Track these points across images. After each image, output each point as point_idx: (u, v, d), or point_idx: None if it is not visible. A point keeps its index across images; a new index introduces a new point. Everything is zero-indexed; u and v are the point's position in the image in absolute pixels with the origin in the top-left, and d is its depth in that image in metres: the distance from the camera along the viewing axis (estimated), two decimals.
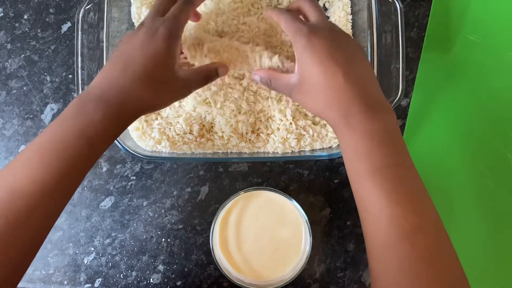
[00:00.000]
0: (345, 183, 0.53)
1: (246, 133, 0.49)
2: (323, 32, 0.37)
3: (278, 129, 0.49)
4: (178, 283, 0.53)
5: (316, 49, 0.36)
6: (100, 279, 0.53)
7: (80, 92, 0.45)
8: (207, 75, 0.42)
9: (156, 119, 0.49)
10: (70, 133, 0.34)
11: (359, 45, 0.39)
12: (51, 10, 0.54)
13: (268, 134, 0.50)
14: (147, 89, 0.37)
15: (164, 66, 0.37)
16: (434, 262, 0.33)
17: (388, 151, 0.35)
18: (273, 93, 0.48)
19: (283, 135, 0.49)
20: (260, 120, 0.49)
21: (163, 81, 0.38)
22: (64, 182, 0.34)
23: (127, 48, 0.37)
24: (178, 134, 0.49)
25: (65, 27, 0.54)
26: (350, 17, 0.51)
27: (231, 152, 0.50)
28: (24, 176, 0.32)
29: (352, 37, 0.39)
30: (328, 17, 0.52)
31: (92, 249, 0.53)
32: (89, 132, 0.34)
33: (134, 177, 0.53)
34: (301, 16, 0.42)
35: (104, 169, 0.53)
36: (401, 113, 0.54)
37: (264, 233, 0.48)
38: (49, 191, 0.33)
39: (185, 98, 0.48)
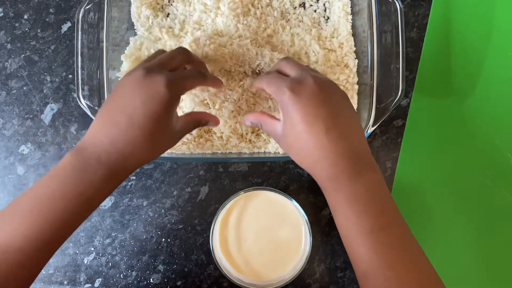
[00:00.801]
0: None
1: (246, 134, 0.49)
2: (306, 85, 0.36)
3: None
4: (178, 283, 0.53)
5: (299, 106, 0.35)
6: (100, 279, 0.53)
7: (80, 92, 0.45)
8: (199, 123, 0.43)
9: None
10: (68, 194, 0.34)
11: (343, 92, 0.38)
12: (51, 10, 0.54)
13: (268, 135, 0.49)
14: (148, 149, 0.36)
15: (164, 127, 0.37)
16: None
17: (377, 213, 0.35)
18: None
19: None
20: None
21: (162, 139, 0.38)
22: (57, 238, 0.35)
23: (128, 103, 0.35)
24: None
25: (65, 27, 0.54)
26: (350, 17, 0.51)
27: (230, 152, 0.50)
28: (18, 232, 0.33)
29: (336, 85, 0.38)
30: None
31: (92, 249, 0.53)
32: (88, 193, 0.34)
33: (134, 177, 0.53)
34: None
35: None
36: (401, 113, 0.54)
37: (264, 233, 0.48)
38: (42, 247, 0.34)
39: (184, 100, 0.48)
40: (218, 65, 0.47)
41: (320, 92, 0.36)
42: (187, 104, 0.48)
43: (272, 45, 0.49)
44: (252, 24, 0.49)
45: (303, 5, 0.51)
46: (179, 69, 0.40)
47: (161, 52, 0.42)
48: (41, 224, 0.33)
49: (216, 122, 0.44)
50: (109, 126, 0.35)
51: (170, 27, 0.49)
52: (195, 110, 0.48)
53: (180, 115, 0.41)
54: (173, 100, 0.36)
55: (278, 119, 0.39)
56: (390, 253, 0.34)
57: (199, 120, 0.42)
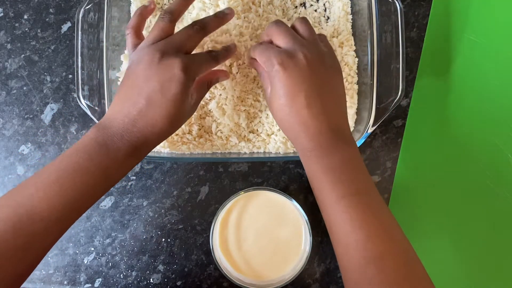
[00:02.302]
0: None
1: (247, 129, 0.49)
2: (296, 60, 0.37)
3: (279, 130, 0.49)
4: (178, 283, 0.53)
5: (284, 80, 0.37)
6: (100, 279, 0.53)
7: (80, 92, 0.45)
8: (210, 84, 0.44)
9: None
10: (93, 168, 0.35)
11: (335, 66, 0.39)
12: (51, 10, 0.54)
13: (268, 135, 0.50)
14: (167, 127, 0.38)
15: (182, 106, 0.38)
16: (402, 279, 0.34)
17: (350, 181, 0.36)
18: None
19: (284, 135, 0.49)
20: (261, 122, 0.50)
21: (180, 117, 0.39)
22: (79, 209, 0.36)
23: (146, 84, 0.36)
24: (177, 135, 0.49)
25: (65, 27, 0.54)
26: (350, 17, 0.51)
27: (230, 152, 0.50)
28: (43, 201, 0.34)
29: (330, 53, 0.40)
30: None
31: (92, 249, 0.53)
32: (111, 169, 0.36)
33: (134, 177, 0.53)
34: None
35: None
36: (401, 113, 0.54)
37: (264, 233, 0.48)
38: (65, 217, 0.35)
39: None
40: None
41: (307, 68, 0.37)
42: None
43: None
44: (253, 22, 0.49)
45: (303, 4, 0.52)
46: (191, 51, 0.40)
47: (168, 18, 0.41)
48: (65, 195, 0.34)
49: (226, 75, 0.46)
50: (129, 108, 0.37)
51: None
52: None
53: None
54: (190, 82, 0.38)
55: None
56: (362, 216, 0.35)
57: (210, 80, 0.44)
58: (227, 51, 0.44)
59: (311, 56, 0.38)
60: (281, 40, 0.40)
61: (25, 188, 0.35)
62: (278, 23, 0.41)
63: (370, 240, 0.34)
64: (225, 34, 0.47)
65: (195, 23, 0.40)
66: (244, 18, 0.49)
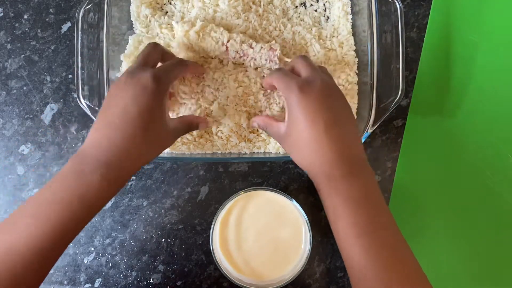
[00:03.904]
0: None
1: (248, 129, 0.49)
2: (314, 87, 0.37)
3: None
4: (178, 283, 0.53)
5: (304, 105, 0.37)
6: (100, 279, 0.53)
7: (80, 92, 0.45)
8: (190, 126, 0.44)
9: None
10: (69, 197, 0.34)
11: (346, 99, 0.40)
12: (51, 10, 0.54)
13: (268, 135, 0.50)
14: (145, 146, 0.37)
15: (158, 121, 0.38)
16: None
17: (371, 215, 0.36)
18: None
19: None
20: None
21: (158, 136, 0.38)
22: (59, 243, 0.35)
23: (119, 103, 0.36)
24: None
25: (65, 27, 0.54)
26: (350, 17, 0.51)
27: (230, 152, 0.50)
28: (21, 237, 0.33)
29: (340, 90, 0.40)
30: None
31: (92, 249, 0.53)
32: (89, 196, 0.35)
33: (134, 177, 0.53)
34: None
35: None
36: (401, 113, 0.54)
37: (264, 233, 0.48)
38: (44, 253, 0.34)
39: (181, 112, 0.49)
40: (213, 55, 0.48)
41: (326, 95, 0.38)
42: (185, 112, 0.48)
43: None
44: (253, 21, 0.49)
45: (303, 4, 0.51)
46: (157, 64, 0.41)
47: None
48: (43, 229, 0.34)
49: (205, 123, 0.46)
50: (106, 127, 0.36)
51: (169, 24, 0.50)
52: (197, 112, 0.48)
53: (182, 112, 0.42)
54: (162, 92, 0.37)
55: (282, 121, 0.41)
56: (383, 254, 0.35)
57: (189, 123, 0.44)
58: (197, 65, 0.45)
59: (328, 84, 0.38)
60: (303, 67, 0.40)
61: (6, 223, 0.34)
62: (305, 57, 0.42)
63: (386, 271, 0.34)
64: (222, 29, 0.47)
65: (150, 42, 0.42)
66: (245, 17, 0.49)
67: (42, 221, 0.34)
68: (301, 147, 0.38)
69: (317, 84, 0.38)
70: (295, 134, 0.38)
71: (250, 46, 0.46)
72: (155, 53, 0.41)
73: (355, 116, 0.49)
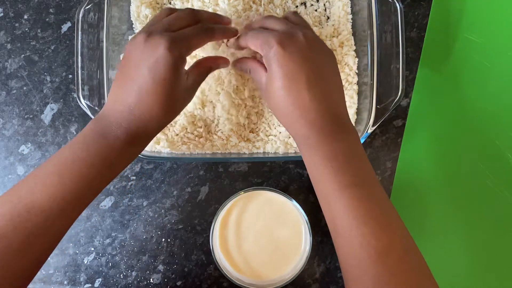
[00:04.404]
0: None
1: (247, 129, 0.49)
2: (295, 40, 0.36)
3: (280, 132, 0.49)
4: (178, 283, 0.53)
5: (284, 61, 0.35)
6: (100, 279, 0.53)
7: (80, 92, 0.45)
8: (210, 70, 0.42)
9: None
10: (92, 155, 0.35)
11: (331, 52, 0.38)
12: (51, 10, 0.54)
13: (267, 135, 0.50)
14: (164, 112, 0.37)
15: (175, 88, 0.37)
16: (406, 277, 0.33)
17: (353, 170, 0.35)
18: None
19: (285, 135, 0.49)
20: (261, 121, 0.50)
21: (176, 100, 0.38)
22: (81, 200, 0.35)
23: (136, 68, 0.35)
24: (177, 135, 0.49)
25: (65, 27, 0.54)
26: (350, 17, 0.51)
27: (230, 152, 0.50)
28: (43, 193, 0.33)
29: (324, 43, 0.38)
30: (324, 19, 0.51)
31: (92, 249, 0.53)
32: (111, 159, 0.35)
33: (134, 177, 0.53)
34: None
35: None
36: (401, 113, 0.54)
37: (264, 233, 0.48)
38: (67, 208, 0.34)
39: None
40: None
41: (308, 48, 0.36)
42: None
43: None
44: (253, 20, 0.49)
45: (304, 4, 0.51)
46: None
47: (167, 11, 0.40)
48: (65, 186, 0.34)
49: (226, 62, 0.43)
50: (124, 96, 0.36)
51: None
52: (197, 111, 0.48)
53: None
54: (178, 62, 0.36)
55: (266, 71, 0.39)
56: (365, 209, 0.34)
57: (210, 66, 0.42)
58: (226, 29, 0.41)
59: (311, 37, 0.36)
60: (276, 24, 0.38)
61: (25, 182, 0.34)
62: (272, 15, 0.40)
63: (374, 236, 0.33)
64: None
65: (187, 8, 0.40)
66: (245, 16, 0.49)
67: (65, 179, 0.34)
68: (280, 105, 0.36)
69: (298, 37, 0.36)
70: (275, 91, 0.36)
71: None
72: (187, 19, 0.38)
73: (355, 116, 0.49)
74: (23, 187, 0.34)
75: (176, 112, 0.39)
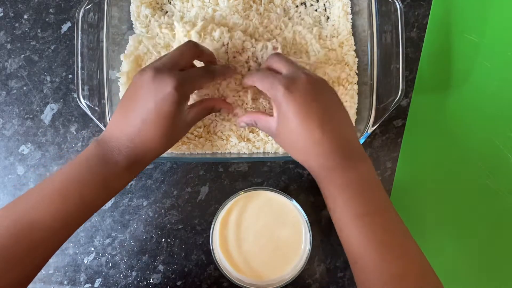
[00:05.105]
0: None
1: (247, 129, 0.49)
2: (300, 83, 0.37)
3: None
4: (178, 283, 0.53)
5: (293, 103, 0.37)
6: (100, 279, 0.53)
7: (80, 92, 0.45)
8: (212, 110, 0.45)
9: None
10: (94, 180, 0.37)
11: (333, 90, 0.40)
12: (51, 10, 0.54)
13: (267, 135, 0.49)
14: (162, 143, 0.39)
15: (177, 123, 0.39)
16: None
17: (367, 199, 0.36)
18: None
19: None
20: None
21: (175, 132, 0.40)
22: (79, 219, 0.37)
23: (140, 102, 0.37)
24: None
25: (65, 27, 0.54)
26: (350, 17, 0.51)
27: (230, 152, 0.50)
28: (47, 210, 0.35)
29: (327, 82, 0.40)
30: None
31: (92, 249, 0.53)
32: (112, 181, 0.38)
33: None
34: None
35: None
36: (401, 113, 0.54)
37: (264, 233, 0.48)
38: (66, 225, 0.36)
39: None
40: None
41: (313, 89, 0.37)
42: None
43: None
44: (254, 19, 0.49)
45: (304, 4, 0.51)
46: (188, 67, 0.41)
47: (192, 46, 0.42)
48: (68, 205, 0.36)
49: (229, 109, 0.46)
50: (126, 126, 0.38)
51: (169, 24, 0.50)
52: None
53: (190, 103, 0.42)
54: (183, 100, 0.38)
55: (272, 115, 0.41)
56: (379, 236, 0.35)
57: (212, 107, 0.44)
58: (226, 70, 0.44)
59: (313, 79, 0.38)
60: (281, 65, 0.40)
61: (30, 196, 0.36)
62: (279, 54, 0.42)
63: (388, 262, 0.34)
64: (224, 28, 0.47)
65: (189, 41, 0.42)
66: (245, 16, 0.48)
67: (68, 198, 0.36)
68: (295, 143, 0.38)
69: (302, 80, 0.37)
70: (288, 132, 0.38)
71: (252, 46, 0.46)
72: (190, 55, 0.41)
73: (355, 116, 0.49)
74: (28, 201, 0.36)
75: (172, 144, 0.42)
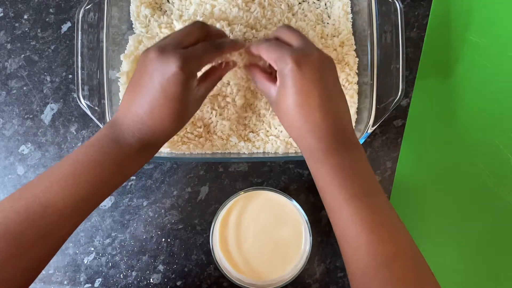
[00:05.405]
0: None
1: (247, 129, 0.49)
2: (311, 60, 0.36)
3: (281, 131, 0.49)
4: (178, 283, 0.53)
5: (299, 78, 0.36)
6: (100, 279, 0.53)
7: (80, 92, 0.45)
8: (220, 78, 0.43)
9: None
10: (107, 162, 0.36)
11: (335, 67, 0.39)
12: (51, 10, 0.54)
13: (267, 135, 0.50)
14: (174, 123, 0.38)
15: (186, 101, 0.38)
16: (413, 283, 0.34)
17: (359, 182, 0.36)
18: None
19: (285, 135, 0.49)
20: (261, 120, 0.50)
21: (186, 110, 0.39)
22: (92, 202, 0.37)
23: (147, 82, 0.36)
24: (177, 135, 0.49)
25: (65, 27, 0.54)
26: (350, 16, 0.51)
27: (230, 152, 0.50)
28: (59, 193, 0.34)
29: (334, 63, 0.39)
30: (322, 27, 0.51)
31: (92, 249, 0.53)
32: (124, 161, 0.37)
33: (134, 177, 0.53)
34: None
35: None
36: (401, 113, 0.54)
37: (264, 233, 0.48)
38: (78, 209, 0.36)
39: None
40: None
41: (321, 68, 0.37)
42: None
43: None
44: (255, 12, 0.48)
45: (306, 1, 0.51)
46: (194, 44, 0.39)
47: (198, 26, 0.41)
48: (80, 188, 0.35)
49: (234, 64, 0.43)
50: (136, 107, 0.37)
51: (169, 24, 0.50)
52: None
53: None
54: (190, 78, 0.37)
55: (274, 82, 0.40)
56: (372, 217, 0.35)
57: (219, 75, 0.43)
58: (235, 42, 0.42)
59: (325, 57, 0.38)
60: (293, 37, 0.39)
61: (41, 181, 0.35)
62: (290, 26, 0.41)
63: (381, 243, 0.34)
64: (224, 22, 0.47)
65: (196, 21, 0.40)
66: (246, 8, 0.48)
67: (80, 180, 0.35)
68: (291, 118, 0.37)
69: (314, 57, 0.36)
70: (286, 106, 0.37)
71: (254, 36, 0.46)
72: (197, 35, 0.39)
73: (355, 116, 0.49)
74: (38, 186, 0.35)
75: (185, 122, 0.41)
